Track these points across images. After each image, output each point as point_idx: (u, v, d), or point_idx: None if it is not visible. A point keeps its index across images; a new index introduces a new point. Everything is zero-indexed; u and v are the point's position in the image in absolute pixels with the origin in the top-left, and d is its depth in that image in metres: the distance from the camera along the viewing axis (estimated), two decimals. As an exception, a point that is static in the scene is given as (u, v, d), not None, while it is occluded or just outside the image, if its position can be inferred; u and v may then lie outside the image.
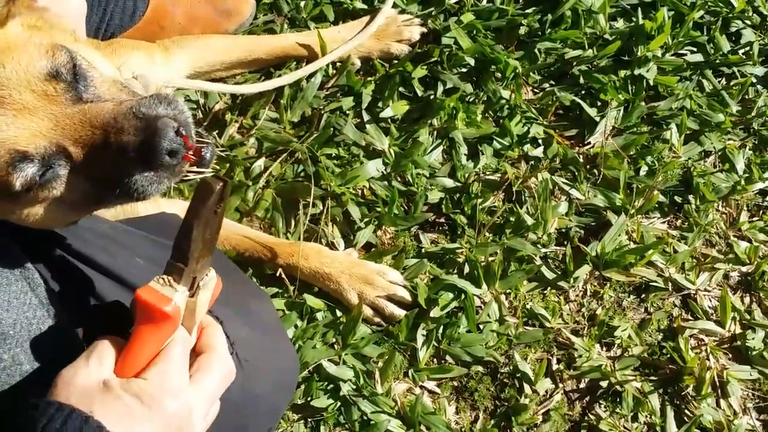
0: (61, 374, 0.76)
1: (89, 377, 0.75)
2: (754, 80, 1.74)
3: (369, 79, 1.69)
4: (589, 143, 1.67)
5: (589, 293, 1.56)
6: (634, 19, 1.75)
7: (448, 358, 1.49)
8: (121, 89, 0.91)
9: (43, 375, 0.87)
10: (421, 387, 1.48)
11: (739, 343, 1.53)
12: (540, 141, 1.66)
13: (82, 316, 0.95)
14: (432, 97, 1.66)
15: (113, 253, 1.05)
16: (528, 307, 1.53)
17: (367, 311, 1.48)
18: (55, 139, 0.82)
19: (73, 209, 0.91)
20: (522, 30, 1.72)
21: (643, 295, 1.56)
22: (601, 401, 1.49)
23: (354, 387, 1.45)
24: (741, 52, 1.77)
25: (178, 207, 1.38)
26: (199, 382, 0.81)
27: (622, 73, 1.71)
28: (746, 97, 1.74)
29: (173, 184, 0.88)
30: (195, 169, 0.88)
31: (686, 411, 1.48)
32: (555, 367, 1.50)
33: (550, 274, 1.55)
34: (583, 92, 1.70)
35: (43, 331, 0.88)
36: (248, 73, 1.69)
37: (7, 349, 0.84)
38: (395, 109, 1.65)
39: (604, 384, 1.49)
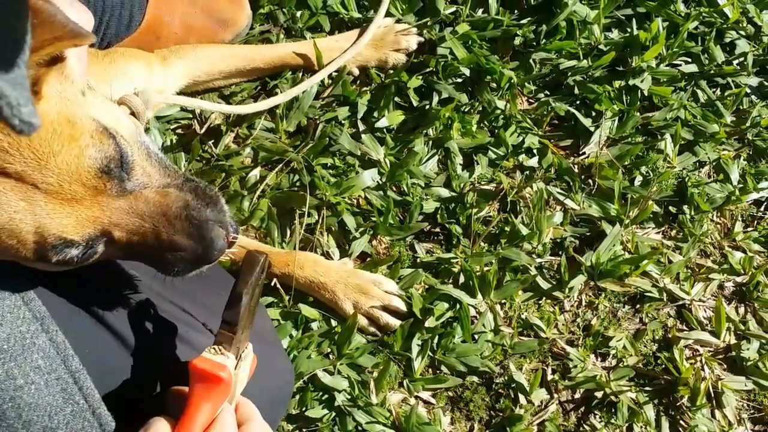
0: None
1: None
2: (749, 91, 1.75)
3: (364, 89, 1.70)
4: (584, 153, 1.68)
5: (584, 303, 1.57)
6: (629, 30, 1.75)
7: (443, 368, 1.49)
8: (151, 163, 0.94)
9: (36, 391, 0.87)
10: (416, 397, 1.48)
11: (733, 353, 1.54)
12: (535, 151, 1.66)
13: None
14: (427, 107, 1.66)
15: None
16: (523, 317, 1.53)
17: (362, 321, 1.48)
18: (101, 226, 0.86)
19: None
20: (517, 40, 1.73)
21: (638, 306, 1.57)
22: (596, 412, 1.49)
23: (349, 397, 1.45)
24: (735, 62, 1.78)
25: None
26: None
27: (617, 83, 1.71)
28: (740, 107, 1.74)
29: None
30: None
31: (681, 422, 1.48)
32: (550, 377, 1.51)
33: (545, 284, 1.56)
34: (577, 102, 1.71)
35: (37, 345, 0.88)
36: (245, 83, 1.69)
37: (0, 364, 0.84)
38: (391, 119, 1.65)
39: (599, 394, 1.49)
